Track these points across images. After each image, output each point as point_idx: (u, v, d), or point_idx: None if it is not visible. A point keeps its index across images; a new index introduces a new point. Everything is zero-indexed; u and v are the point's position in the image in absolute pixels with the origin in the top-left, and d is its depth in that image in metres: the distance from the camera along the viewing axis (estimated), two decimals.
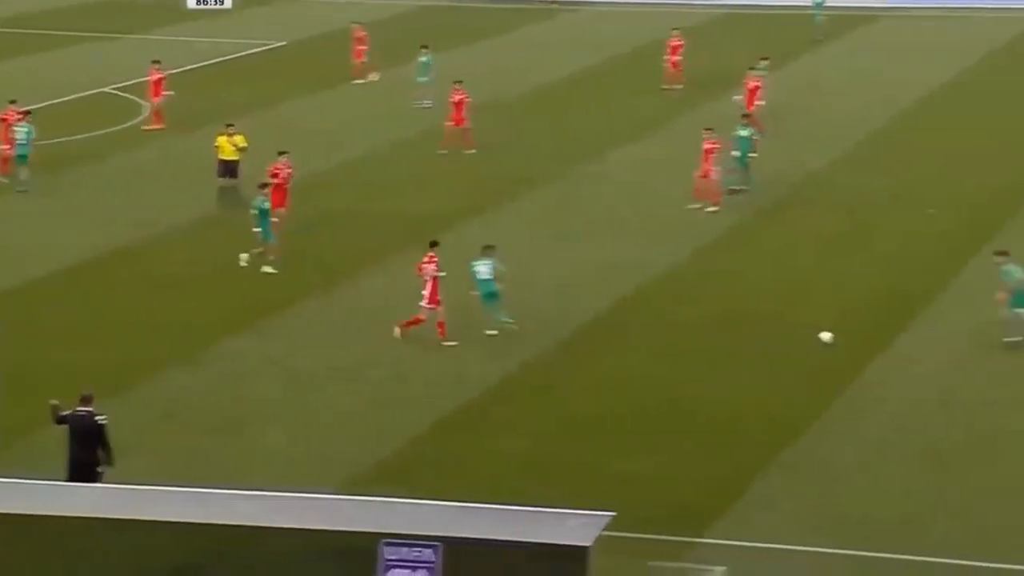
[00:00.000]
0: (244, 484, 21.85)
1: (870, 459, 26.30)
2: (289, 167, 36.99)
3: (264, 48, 63.70)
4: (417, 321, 31.08)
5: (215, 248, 37.44)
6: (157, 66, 50.04)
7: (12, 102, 43.91)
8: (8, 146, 42.70)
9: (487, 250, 31.67)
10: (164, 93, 49.54)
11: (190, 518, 18.98)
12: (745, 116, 42.78)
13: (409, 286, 31.94)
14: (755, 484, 25.20)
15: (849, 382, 29.33)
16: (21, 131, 42.22)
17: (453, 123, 45.59)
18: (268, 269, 35.26)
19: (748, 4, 72.48)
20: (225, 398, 28.98)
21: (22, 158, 42.19)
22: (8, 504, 18.64)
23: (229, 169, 39.93)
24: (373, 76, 55.55)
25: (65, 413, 23.43)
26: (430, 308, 31.06)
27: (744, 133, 41.65)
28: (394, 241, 37.31)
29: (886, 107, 51.57)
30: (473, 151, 45.13)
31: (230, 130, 40.27)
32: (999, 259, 31.32)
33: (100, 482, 22.54)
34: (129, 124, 50.61)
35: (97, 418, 23.35)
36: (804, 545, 23.01)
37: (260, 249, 35.44)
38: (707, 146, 40.16)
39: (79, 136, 48.46)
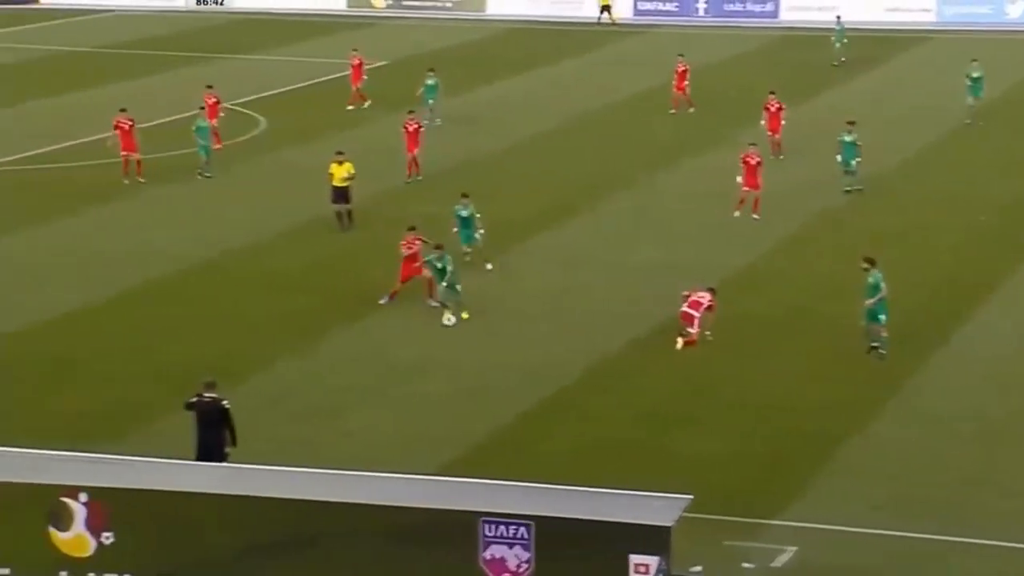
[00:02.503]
0: (347, 466, 21.89)
1: (929, 443, 26.07)
2: (418, 239, 33.58)
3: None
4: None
5: (322, 248, 37.56)
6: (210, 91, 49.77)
7: (123, 110, 44.63)
8: (130, 151, 43.67)
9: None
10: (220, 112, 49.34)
11: (306, 495, 19.04)
12: (850, 123, 42.26)
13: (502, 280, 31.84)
14: (821, 468, 25.01)
15: (910, 371, 29.10)
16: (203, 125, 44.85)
17: (409, 151, 44.03)
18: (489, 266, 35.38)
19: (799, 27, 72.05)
20: (330, 385, 29.02)
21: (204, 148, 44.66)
22: (144, 480, 18.80)
23: (341, 195, 39.20)
24: (366, 103, 54.56)
25: (192, 400, 23.61)
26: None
27: (849, 139, 41.66)
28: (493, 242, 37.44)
29: (939, 121, 51.16)
30: (420, 178, 43.77)
31: (340, 158, 39.46)
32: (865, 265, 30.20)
33: (225, 461, 22.69)
34: (246, 137, 50.96)
35: (221, 402, 23.51)
36: (866, 526, 22.82)
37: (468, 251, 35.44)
38: (753, 160, 39.91)
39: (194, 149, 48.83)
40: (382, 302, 33.05)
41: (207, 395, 23.61)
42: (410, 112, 45.16)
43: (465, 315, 32.04)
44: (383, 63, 63.65)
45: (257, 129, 52.20)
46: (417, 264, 33.06)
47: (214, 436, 23.23)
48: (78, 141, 48.26)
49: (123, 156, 43.79)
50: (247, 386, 28.07)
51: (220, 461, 22.69)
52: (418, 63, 56.49)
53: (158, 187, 43.74)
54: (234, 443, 23.44)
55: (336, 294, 34.31)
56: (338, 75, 58.60)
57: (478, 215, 35.82)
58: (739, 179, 39.82)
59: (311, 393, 28.66)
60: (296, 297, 34.18)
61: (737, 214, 39.66)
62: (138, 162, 43.86)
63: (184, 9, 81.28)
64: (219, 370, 25.43)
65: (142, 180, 43.62)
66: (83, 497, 18.25)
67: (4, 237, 38.88)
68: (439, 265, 32.30)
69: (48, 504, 18.19)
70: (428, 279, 32.81)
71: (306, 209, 40.48)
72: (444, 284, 32.15)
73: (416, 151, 43.96)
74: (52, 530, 18.25)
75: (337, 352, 30.80)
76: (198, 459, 22.84)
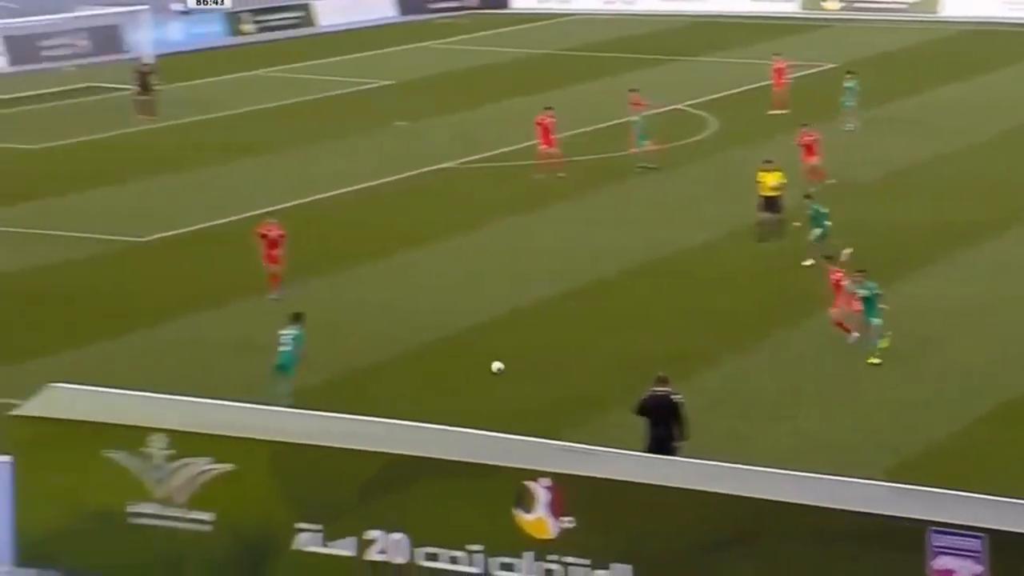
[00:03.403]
0: (791, 467, 21.73)
1: None
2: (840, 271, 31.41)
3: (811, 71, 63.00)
4: None
5: (765, 249, 37.51)
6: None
7: (548, 108, 46.00)
8: (547, 145, 45.10)
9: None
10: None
11: (754, 493, 19.00)
12: None
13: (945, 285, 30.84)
14: None
15: None
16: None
17: (812, 158, 42.02)
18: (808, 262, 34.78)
19: None
20: (775, 385, 28.92)
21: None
22: (602, 469, 19.17)
23: (770, 204, 38.25)
24: (782, 110, 53.45)
25: (646, 395, 23.98)
26: None
27: None
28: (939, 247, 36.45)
29: None
30: (833, 181, 41.57)
31: (769, 166, 38.61)
32: None
33: (676, 455, 22.96)
34: (698, 138, 51.30)
35: (673, 397, 23.79)
36: None
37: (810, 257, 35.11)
38: None
39: (653, 148, 49.51)
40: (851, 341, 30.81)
41: (659, 389, 23.94)
42: (803, 125, 43.68)
43: (876, 360, 29.73)
44: (832, 66, 62.79)
45: (708, 130, 52.45)
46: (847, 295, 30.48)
47: (665, 430, 23.53)
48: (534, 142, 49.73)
49: (543, 151, 45.02)
50: (694, 382, 28.21)
51: (670, 454, 22.96)
52: (868, 66, 55.39)
53: (613, 185, 44.55)
54: (684, 437, 23.69)
55: (780, 294, 34.16)
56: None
57: (824, 210, 35.26)
58: None
59: (756, 391, 28.61)
60: (741, 296, 34.17)
61: None
62: (548, 156, 44.97)
63: (645, 12, 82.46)
64: (667, 366, 25.74)
65: (542, 176, 44.57)
66: (545, 482, 18.77)
67: (466, 234, 40.20)
68: (863, 293, 29.82)
69: (514, 487, 18.81)
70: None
71: (752, 210, 40.34)
72: (873, 318, 29.77)
73: (814, 161, 42.17)
74: (517, 512, 18.87)
75: (782, 352, 30.62)
76: (648, 452, 23.18)
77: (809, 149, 42.37)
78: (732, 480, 19.38)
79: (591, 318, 33.16)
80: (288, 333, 27.75)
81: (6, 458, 20.59)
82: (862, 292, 29.73)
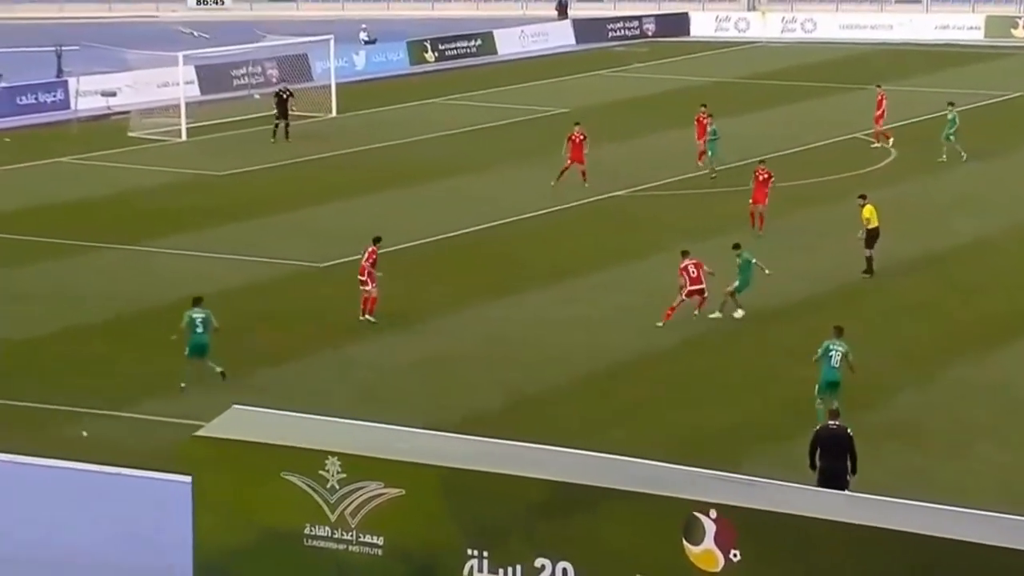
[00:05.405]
0: (969, 503, 21.27)
1: None
2: None
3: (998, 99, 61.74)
4: None
5: (942, 278, 37.01)
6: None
7: (577, 124, 48.41)
8: (578, 161, 46.86)
9: None
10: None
11: (925, 530, 18.63)
12: None
13: None
14: None
15: None
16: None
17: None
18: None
19: None
20: (949, 418, 28.35)
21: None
22: (771, 502, 18.95)
23: (869, 239, 37.65)
24: (877, 143, 52.65)
25: (818, 429, 23.74)
26: None
27: None
28: None
29: None
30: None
31: (862, 201, 38.08)
32: None
33: (847, 489, 22.65)
34: (872, 168, 50.58)
35: (846, 431, 23.53)
36: None
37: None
38: None
39: (827, 178, 49.00)
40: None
41: (832, 423, 23.68)
42: (760, 162, 43.00)
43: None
44: (1016, 95, 61.56)
45: (888, 158, 51.66)
46: None
47: (838, 464, 23.24)
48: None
49: (570, 163, 47.13)
50: (866, 413, 27.74)
51: (842, 488, 22.67)
52: None
53: (790, 213, 43.96)
54: (854, 471, 23.38)
55: (959, 324, 33.50)
56: (966, 107, 57.18)
57: (754, 261, 34.24)
58: None
59: (931, 424, 28.08)
60: (914, 325, 33.58)
61: None
62: (583, 172, 47.08)
63: (826, 40, 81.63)
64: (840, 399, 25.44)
65: (587, 185, 46.86)
66: (713, 513, 18.65)
67: (638, 260, 39.99)
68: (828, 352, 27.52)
69: (682, 518, 18.72)
70: None
71: (924, 239, 39.74)
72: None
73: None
74: (685, 543, 18.78)
75: (959, 384, 30.02)
76: (819, 485, 22.90)
77: (762, 187, 41.80)
78: (901, 516, 19.05)
79: (765, 346, 32.83)
80: (199, 315, 29.47)
81: (187, 478, 21.11)
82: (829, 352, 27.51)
